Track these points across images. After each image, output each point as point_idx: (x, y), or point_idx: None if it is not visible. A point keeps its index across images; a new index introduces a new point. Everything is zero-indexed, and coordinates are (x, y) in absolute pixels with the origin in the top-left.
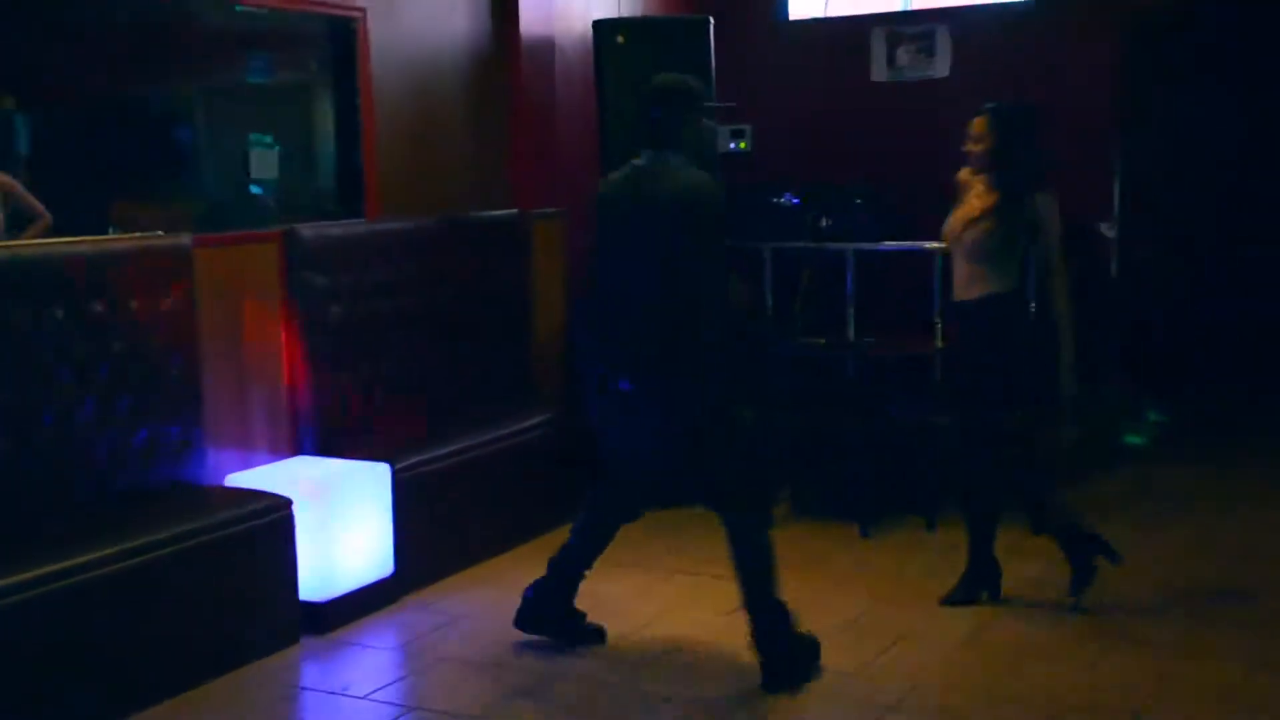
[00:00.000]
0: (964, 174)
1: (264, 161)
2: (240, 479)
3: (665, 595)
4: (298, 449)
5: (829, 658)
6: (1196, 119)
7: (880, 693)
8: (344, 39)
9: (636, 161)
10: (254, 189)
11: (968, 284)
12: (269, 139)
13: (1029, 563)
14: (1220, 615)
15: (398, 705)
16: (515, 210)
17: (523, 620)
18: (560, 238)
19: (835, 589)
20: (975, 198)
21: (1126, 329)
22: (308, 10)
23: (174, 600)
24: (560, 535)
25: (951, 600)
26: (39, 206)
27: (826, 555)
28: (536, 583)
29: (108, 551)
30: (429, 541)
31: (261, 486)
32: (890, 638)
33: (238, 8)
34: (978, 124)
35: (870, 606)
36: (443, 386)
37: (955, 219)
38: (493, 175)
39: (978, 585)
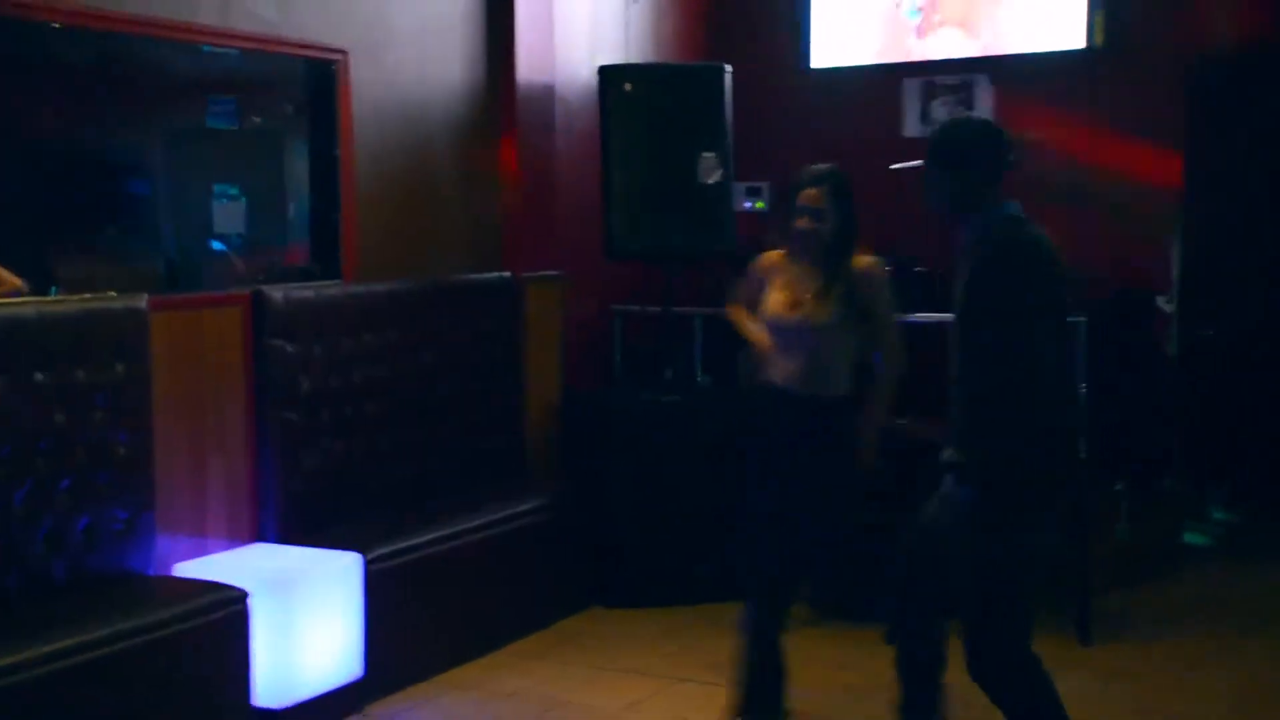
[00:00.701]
0: (774, 257)
1: (229, 215)
2: (191, 568)
3: (664, 708)
4: (258, 535)
5: None
6: (1272, 180)
7: None
8: (323, 83)
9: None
10: (216, 245)
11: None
12: (234, 190)
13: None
14: None
15: None
16: (508, 273)
17: None
18: (557, 303)
19: (856, 697)
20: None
21: (1186, 414)
22: (283, 52)
23: (113, 706)
24: (555, 631)
25: None
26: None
27: (847, 663)
28: None
29: (38, 652)
30: (404, 641)
31: (215, 577)
32: None
33: (205, 48)
34: (813, 196)
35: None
36: (424, 467)
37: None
38: (485, 234)
39: None
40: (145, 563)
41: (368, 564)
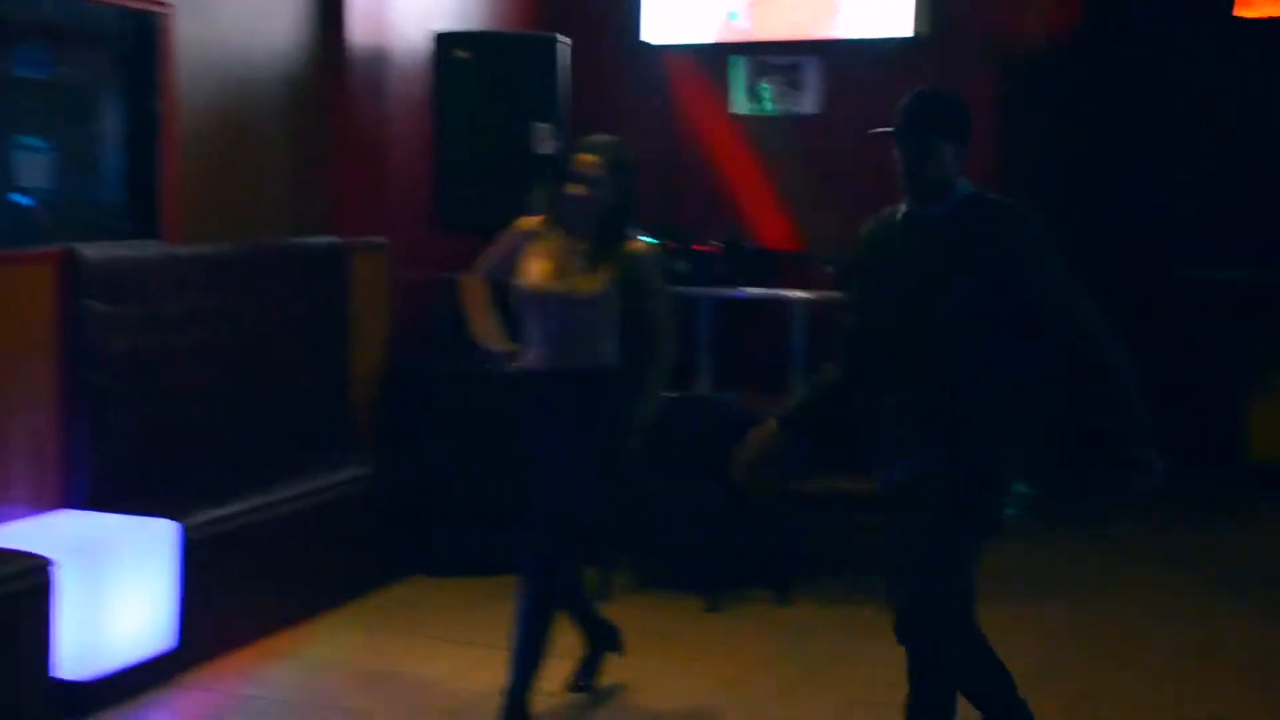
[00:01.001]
0: (534, 223)
1: (34, 168)
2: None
3: (487, 678)
4: (66, 502)
5: None
6: (1074, 156)
7: None
8: (144, 36)
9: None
10: (20, 199)
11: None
12: (41, 143)
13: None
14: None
15: None
16: (335, 239)
17: None
18: (384, 271)
19: (680, 669)
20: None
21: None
22: (103, 1)
23: None
24: (376, 599)
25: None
26: None
27: (670, 631)
28: None
29: None
30: (220, 610)
31: (18, 545)
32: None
33: None
34: (590, 162)
35: (719, 689)
36: (244, 434)
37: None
38: (313, 200)
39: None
40: None
41: (184, 531)
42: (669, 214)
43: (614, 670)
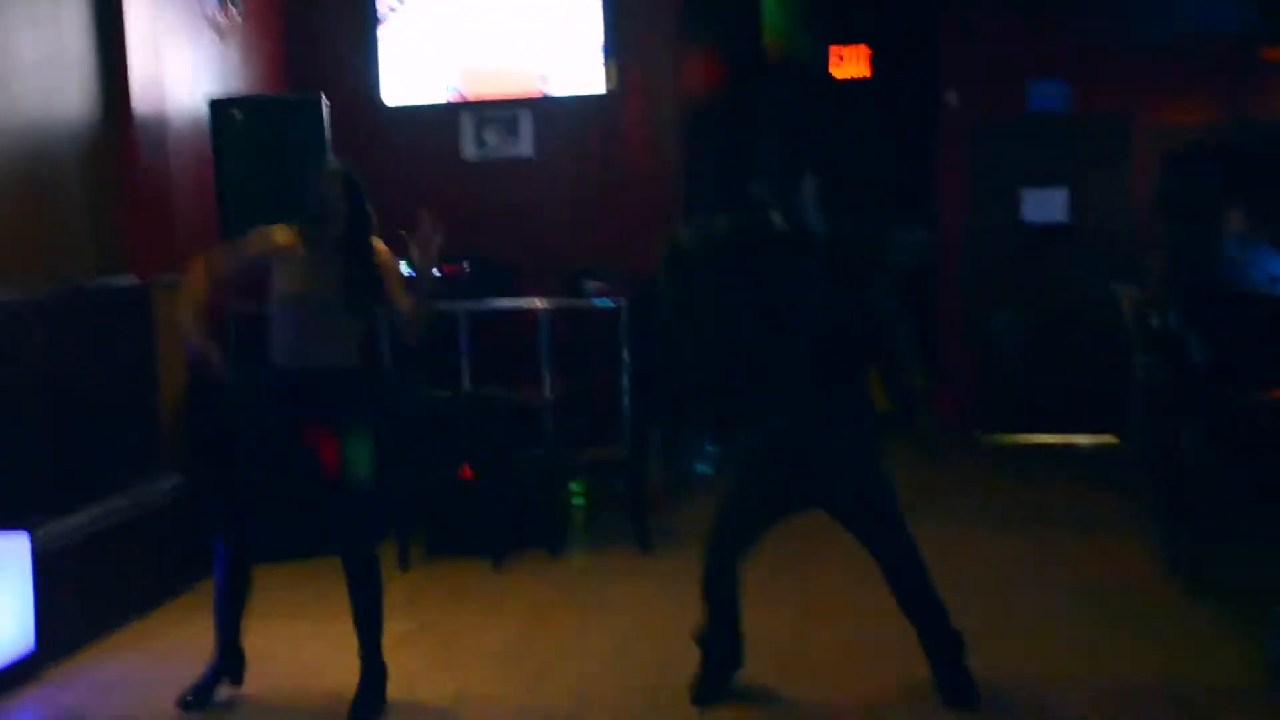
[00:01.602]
0: (287, 236)
1: None
2: None
3: (323, 645)
4: None
5: (490, 685)
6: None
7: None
8: None
9: None
10: None
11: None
12: None
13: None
14: None
15: None
16: (134, 279)
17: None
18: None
19: (480, 620)
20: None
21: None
22: None
23: None
24: (198, 591)
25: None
26: None
27: (467, 588)
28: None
29: None
30: (70, 611)
31: None
32: (542, 661)
33: None
34: (328, 189)
35: (516, 635)
36: (70, 457)
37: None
38: (110, 245)
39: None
40: None
41: (34, 542)
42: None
43: (430, 623)
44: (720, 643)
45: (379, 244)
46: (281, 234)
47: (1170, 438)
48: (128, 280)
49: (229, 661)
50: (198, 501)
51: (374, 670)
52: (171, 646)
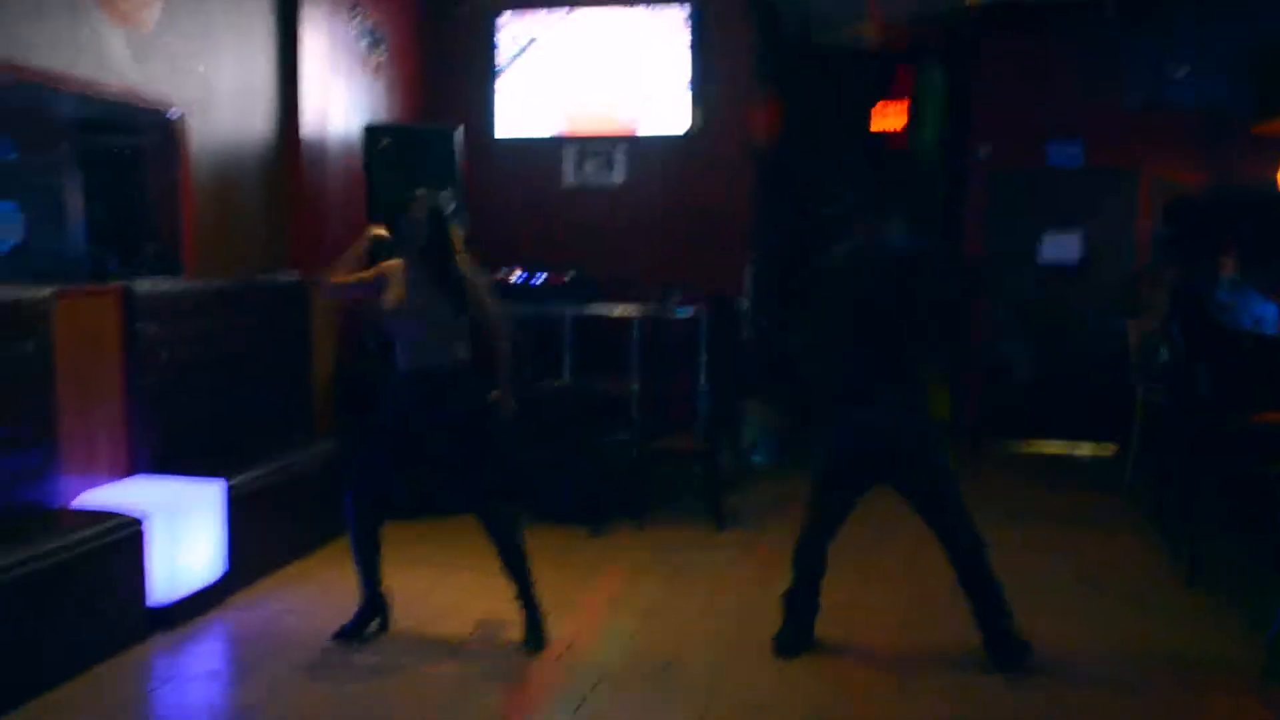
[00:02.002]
0: (396, 265)
1: (96, 226)
2: (89, 500)
3: (453, 586)
4: (132, 470)
5: (599, 630)
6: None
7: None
8: (170, 128)
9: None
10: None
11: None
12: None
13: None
14: None
15: (236, 684)
16: (296, 275)
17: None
18: (331, 300)
19: (582, 577)
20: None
21: (756, 378)
22: (142, 105)
23: (42, 609)
24: (345, 543)
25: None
26: None
27: (568, 552)
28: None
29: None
30: (253, 547)
31: (112, 505)
32: (640, 612)
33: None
34: (417, 216)
35: (617, 589)
36: (242, 420)
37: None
38: (278, 246)
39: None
40: (56, 495)
41: (229, 489)
42: (529, 254)
43: (540, 579)
44: (805, 603)
45: (463, 259)
46: (394, 265)
47: (1172, 453)
48: (291, 276)
49: (373, 607)
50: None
51: (533, 611)
52: (334, 580)
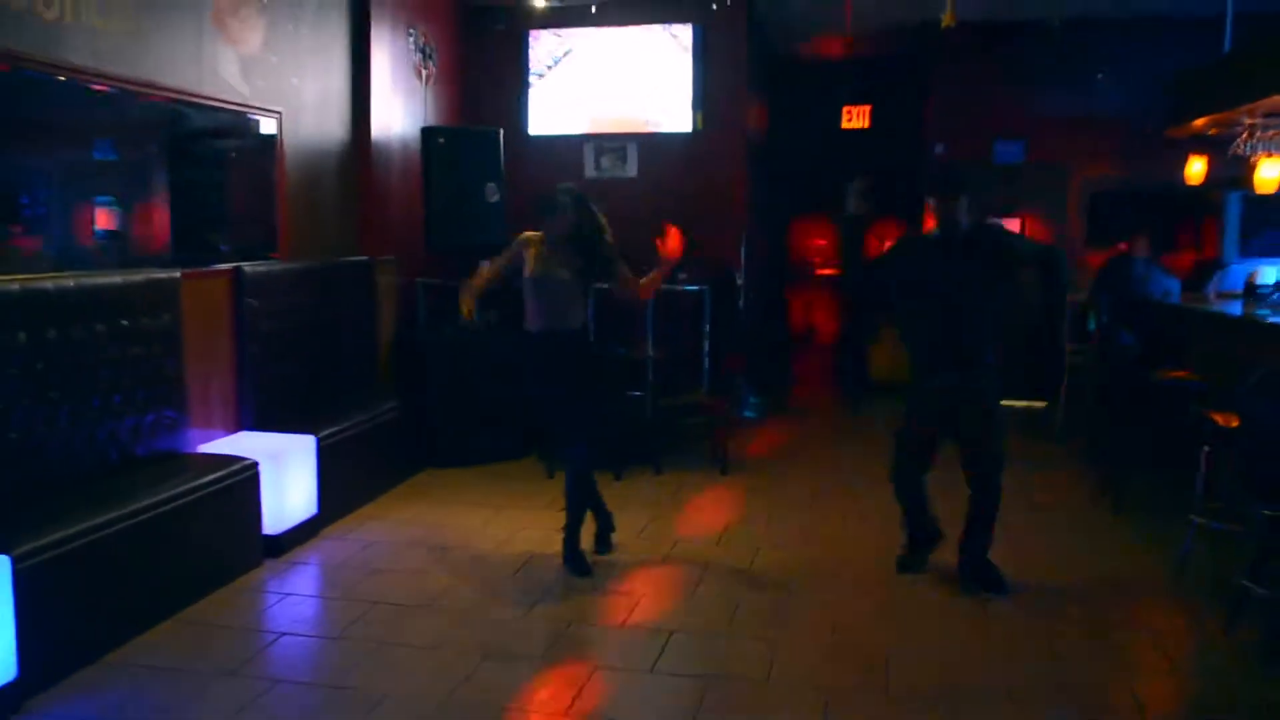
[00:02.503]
0: (533, 236)
1: (208, 217)
2: (211, 448)
3: (505, 522)
4: (241, 426)
5: (635, 552)
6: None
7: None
8: (269, 135)
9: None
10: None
11: (553, 317)
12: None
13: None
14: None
15: (336, 603)
16: (365, 258)
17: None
18: (394, 277)
19: (616, 512)
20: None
21: (748, 342)
22: (248, 110)
23: (189, 533)
24: (410, 484)
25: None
26: None
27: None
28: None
29: (143, 503)
30: (340, 489)
31: (229, 453)
32: (671, 541)
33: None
34: (565, 200)
35: (652, 520)
36: (324, 381)
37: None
38: (350, 231)
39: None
40: (185, 444)
41: (319, 441)
42: None
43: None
44: (918, 529)
45: (608, 237)
46: (531, 235)
47: (1101, 404)
48: (362, 258)
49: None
50: (405, 419)
51: (603, 519)
52: (406, 518)
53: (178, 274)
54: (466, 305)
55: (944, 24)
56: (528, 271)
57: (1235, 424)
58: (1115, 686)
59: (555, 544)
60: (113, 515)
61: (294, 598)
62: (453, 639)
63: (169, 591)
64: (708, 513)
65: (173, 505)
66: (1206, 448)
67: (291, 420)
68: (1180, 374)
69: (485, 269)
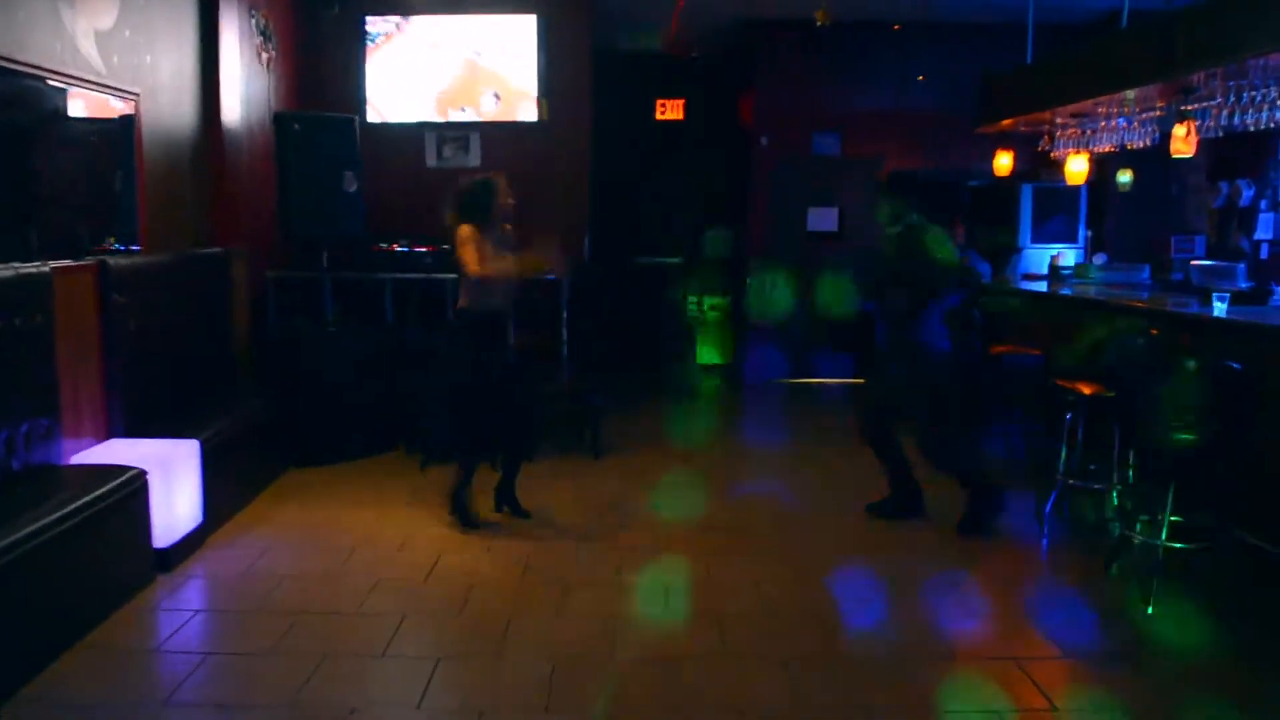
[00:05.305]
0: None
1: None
2: (85, 458)
3: (398, 521)
4: (112, 433)
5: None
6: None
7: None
8: (125, 114)
9: None
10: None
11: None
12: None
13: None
14: None
15: (264, 613)
16: (220, 249)
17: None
18: (247, 268)
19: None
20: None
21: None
22: (104, 88)
23: (76, 553)
24: (282, 482)
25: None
26: None
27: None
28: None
29: (30, 528)
30: (222, 494)
31: (110, 462)
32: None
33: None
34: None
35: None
36: (188, 378)
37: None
38: (204, 221)
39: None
40: (60, 456)
41: (203, 445)
42: (403, 228)
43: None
44: (898, 487)
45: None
46: (468, 229)
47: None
48: (219, 249)
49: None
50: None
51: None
52: (284, 521)
53: (48, 269)
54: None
55: (819, 22)
56: (485, 267)
57: (1089, 391)
58: None
59: (457, 538)
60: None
61: (204, 614)
62: (402, 644)
63: (68, 619)
64: (587, 491)
65: (63, 526)
66: (1069, 415)
67: (163, 424)
68: (1018, 349)
69: (503, 259)
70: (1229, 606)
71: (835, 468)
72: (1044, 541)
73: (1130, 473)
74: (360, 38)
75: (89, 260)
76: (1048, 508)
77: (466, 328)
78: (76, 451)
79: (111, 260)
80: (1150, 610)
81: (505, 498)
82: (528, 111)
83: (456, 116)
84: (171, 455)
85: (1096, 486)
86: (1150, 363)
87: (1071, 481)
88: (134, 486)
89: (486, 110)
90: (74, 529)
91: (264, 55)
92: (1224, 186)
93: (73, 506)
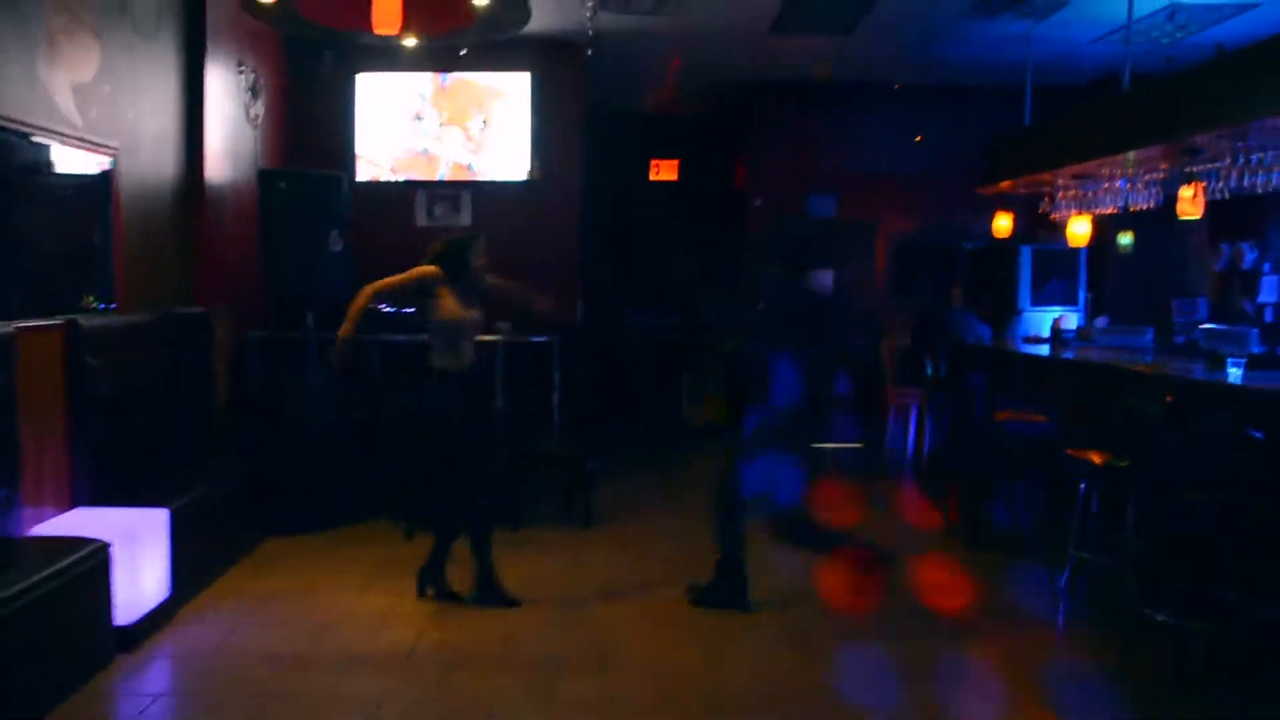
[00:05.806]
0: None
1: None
2: (46, 529)
3: (382, 588)
4: (77, 502)
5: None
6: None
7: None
8: (105, 173)
9: None
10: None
11: (472, 356)
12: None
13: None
14: None
15: (240, 695)
16: (202, 308)
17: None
18: (229, 328)
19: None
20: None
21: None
22: (81, 143)
23: (35, 639)
24: (260, 552)
25: None
26: None
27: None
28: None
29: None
30: (192, 566)
31: (71, 532)
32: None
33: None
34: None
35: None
36: (165, 444)
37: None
38: (185, 280)
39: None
40: (18, 528)
41: (172, 514)
42: None
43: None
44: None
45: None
46: (432, 270)
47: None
48: (199, 309)
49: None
50: (252, 482)
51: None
52: (259, 593)
53: (11, 328)
54: (350, 325)
55: (819, 78)
56: (448, 314)
57: (1101, 461)
58: None
59: (440, 613)
60: None
61: (165, 698)
62: None
63: (19, 705)
64: (582, 568)
65: (16, 605)
66: (1083, 485)
67: (132, 492)
68: (1020, 415)
69: (375, 285)
70: (1253, 689)
71: None
72: (1059, 620)
73: (1146, 546)
74: (350, 98)
75: (58, 320)
76: (1062, 583)
77: (442, 389)
78: (37, 522)
79: (83, 320)
80: (1172, 691)
81: (430, 576)
82: (519, 170)
83: (447, 175)
84: (138, 525)
85: (1110, 561)
86: (1166, 431)
87: (1085, 555)
88: (96, 560)
89: (478, 169)
90: (28, 607)
91: (251, 111)
92: (1225, 248)
93: (27, 583)
